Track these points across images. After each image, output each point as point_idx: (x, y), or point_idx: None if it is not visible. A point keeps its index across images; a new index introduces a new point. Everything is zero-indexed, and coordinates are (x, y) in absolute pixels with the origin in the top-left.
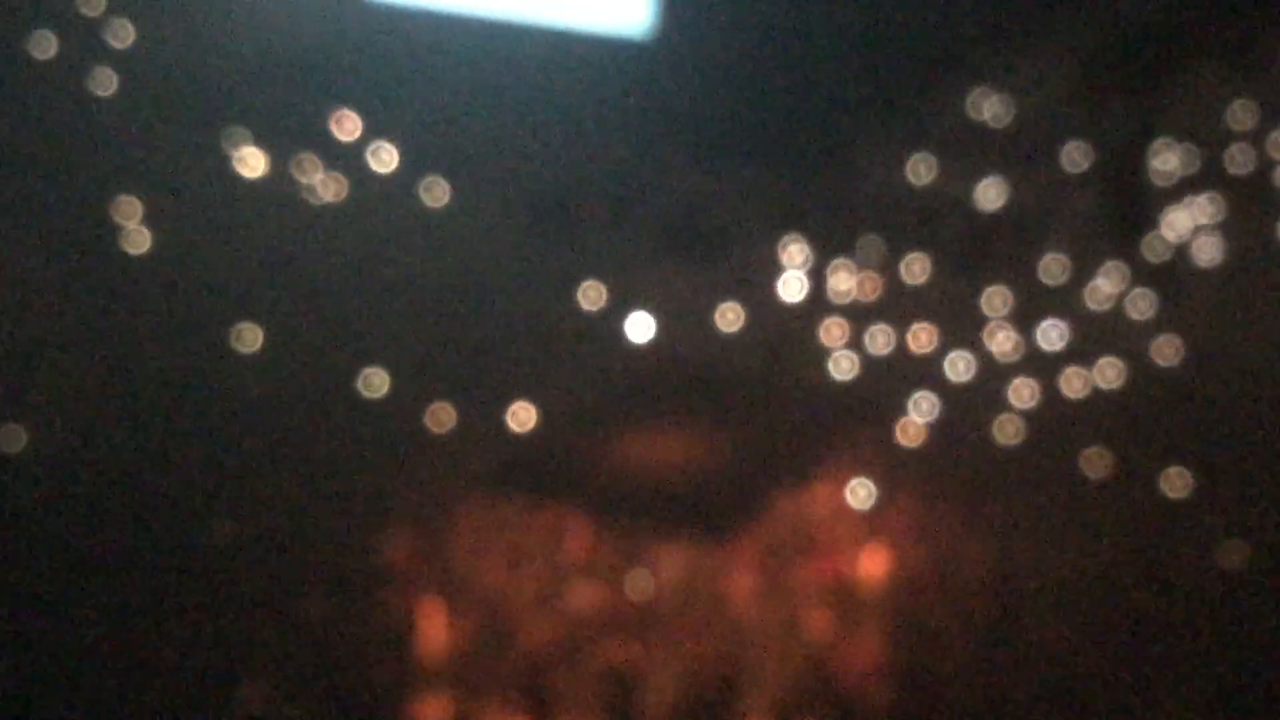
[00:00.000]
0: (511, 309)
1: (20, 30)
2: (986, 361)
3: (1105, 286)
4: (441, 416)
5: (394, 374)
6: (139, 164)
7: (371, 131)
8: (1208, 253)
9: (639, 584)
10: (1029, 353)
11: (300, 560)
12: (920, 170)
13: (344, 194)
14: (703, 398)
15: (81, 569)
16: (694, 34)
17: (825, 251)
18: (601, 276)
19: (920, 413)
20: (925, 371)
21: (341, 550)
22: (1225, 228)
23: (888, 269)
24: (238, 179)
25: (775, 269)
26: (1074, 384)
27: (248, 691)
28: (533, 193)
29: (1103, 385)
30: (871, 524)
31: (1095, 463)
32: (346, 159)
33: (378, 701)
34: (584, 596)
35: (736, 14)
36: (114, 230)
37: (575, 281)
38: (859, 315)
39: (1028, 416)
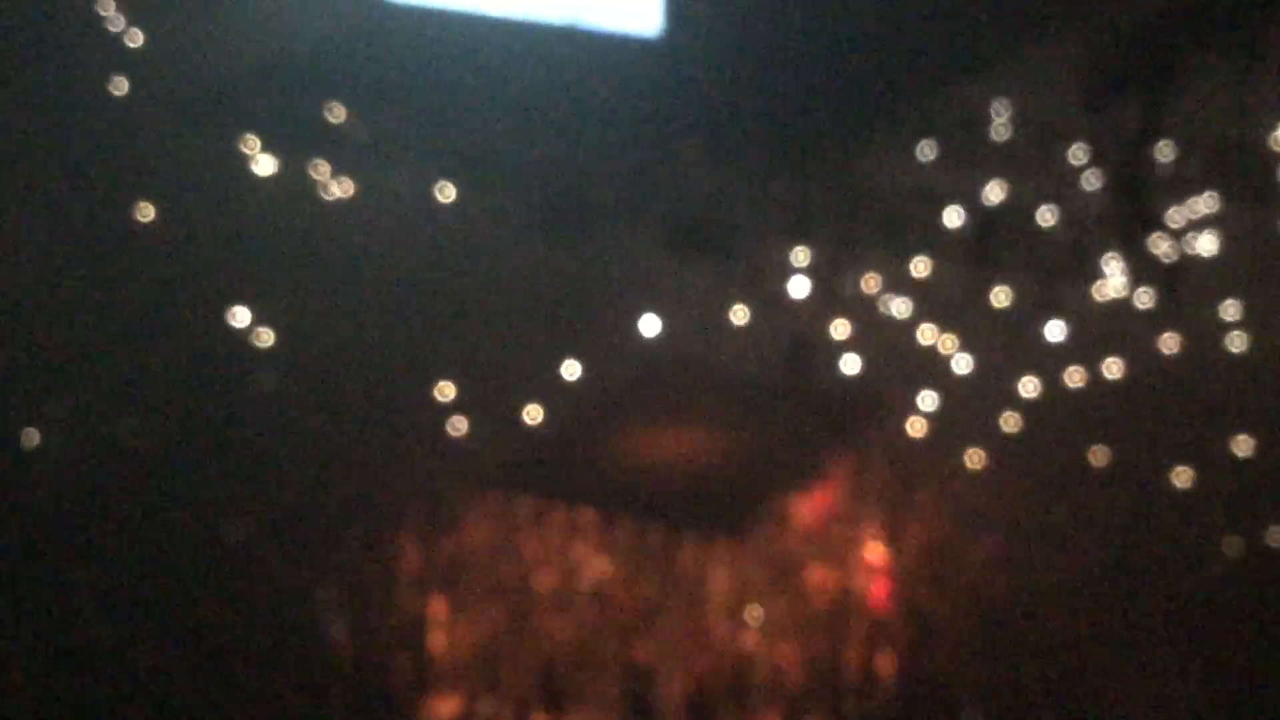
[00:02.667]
0: (522, 307)
1: (42, 36)
2: (992, 357)
3: (1109, 283)
4: (454, 415)
5: (406, 372)
6: (155, 168)
7: (382, 131)
8: (1210, 249)
9: (652, 583)
10: (1034, 348)
11: (314, 560)
12: (927, 169)
13: (355, 193)
14: (714, 397)
15: (93, 569)
16: (704, 33)
17: (834, 250)
18: (612, 275)
19: (926, 409)
20: (931, 368)
21: (356, 550)
22: (1228, 224)
23: (895, 267)
24: (251, 180)
25: (785, 268)
26: (1076, 379)
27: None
28: (543, 191)
29: (1107, 380)
30: (879, 521)
31: (1099, 457)
32: (358, 158)
33: (394, 702)
34: (598, 595)
35: (746, 13)
36: (131, 232)
37: (585, 280)
38: (867, 313)
39: (1032, 412)
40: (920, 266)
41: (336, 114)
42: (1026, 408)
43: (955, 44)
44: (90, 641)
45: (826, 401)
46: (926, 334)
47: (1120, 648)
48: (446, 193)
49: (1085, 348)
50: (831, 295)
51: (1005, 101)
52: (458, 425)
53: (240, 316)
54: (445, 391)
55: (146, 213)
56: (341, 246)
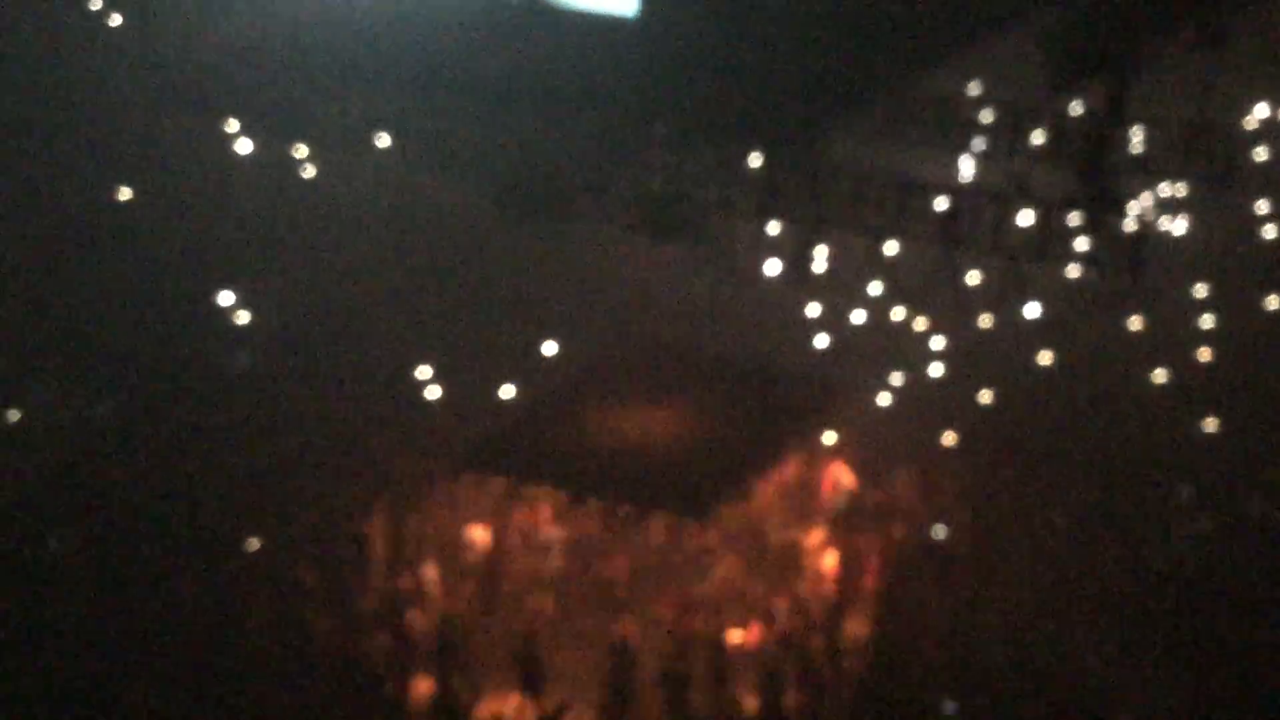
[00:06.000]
0: (495, 288)
1: (28, 20)
2: (962, 336)
3: (1076, 263)
4: (428, 395)
5: (383, 352)
6: (135, 150)
7: (359, 112)
8: (1180, 230)
9: (625, 560)
10: (1004, 327)
11: (290, 537)
12: (898, 150)
13: (333, 175)
14: (683, 376)
15: (72, 544)
16: (678, 15)
17: (804, 230)
18: (583, 254)
19: (896, 387)
20: (902, 347)
21: (331, 527)
22: (1196, 206)
23: (865, 247)
24: (231, 162)
25: (755, 248)
26: (1047, 357)
27: None
28: (517, 172)
29: (1075, 357)
30: (849, 497)
31: (1071, 437)
32: (336, 140)
33: (371, 679)
34: (570, 573)
35: None
36: (110, 214)
37: (557, 259)
38: (837, 293)
39: (1003, 388)
40: (891, 247)
41: (314, 97)
42: (997, 388)
43: (926, 28)
44: (67, 614)
45: (798, 381)
46: (898, 314)
47: (1091, 627)
48: (422, 173)
49: (1055, 328)
50: (802, 276)
51: (975, 84)
52: (434, 406)
53: (222, 298)
54: (421, 372)
55: (124, 195)
56: (319, 227)
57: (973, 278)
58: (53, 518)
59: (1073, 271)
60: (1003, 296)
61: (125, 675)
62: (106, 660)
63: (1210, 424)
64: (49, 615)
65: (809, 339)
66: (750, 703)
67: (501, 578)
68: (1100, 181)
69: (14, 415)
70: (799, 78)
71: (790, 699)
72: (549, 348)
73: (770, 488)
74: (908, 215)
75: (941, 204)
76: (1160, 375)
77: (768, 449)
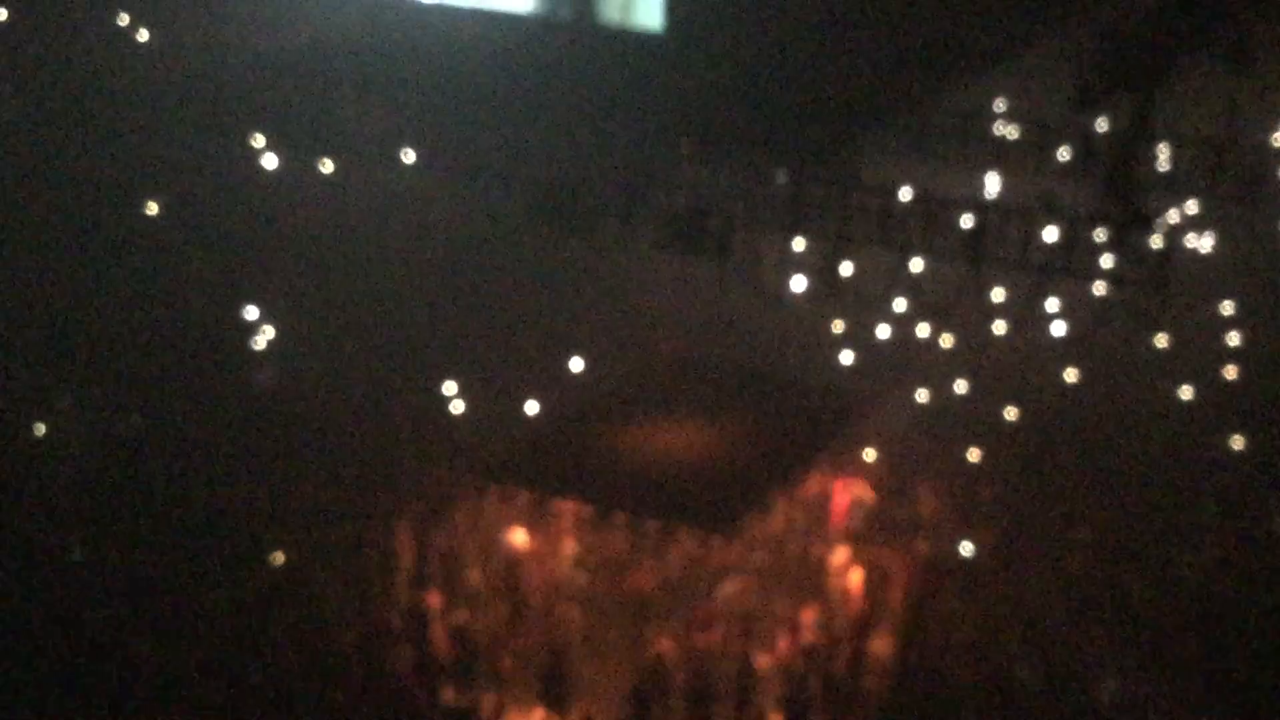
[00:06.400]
0: (521, 303)
1: (57, 35)
2: (988, 351)
3: (1102, 280)
4: (453, 410)
5: (406, 366)
6: (161, 165)
7: (385, 128)
8: (1206, 248)
9: (650, 575)
10: (1029, 343)
11: (315, 551)
12: (924, 167)
13: (359, 189)
14: (709, 391)
15: (95, 555)
16: (704, 34)
17: (830, 246)
18: (610, 270)
19: (922, 403)
20: (928, 362)
21: (356, 541)
22: (1223, 223)
23: (890, 263)
24: (257, 176)
25: (781, 263)
26: (1073, 373)
27: None
28: (543, 187)
29: (1101, 373)
30: (875, 513)
31: (1094, 450)
32: (361, 154)
33: (396, 692)
34: (595, 587)
35: (746, 12)
36: (136, 228)
37: (583, 274)
38: (863, 309)
39: (1028, 405)
40: (917, 263)
41: (341, 111)
42: (1023, 405)
43: (952, 45)
44: (91, 627)
45: (823, 397)
46: (923, 330)
47: (1117, 645)
48: (449, 187)
49: (1080, 344)
50: (829, 291)
51: (1001, 101)
52: (459, 420)
53: (248, 312)
54: (447, 387)
55: (151, 209)
56: (345, 242)
57: (999, 294)
58: (77, 531)
59: (1099, 288)
60: (1029, 314)
61: (150, 688)
62: (131, 673)
63: (1236, 441)
64: (73, 628)
65: (834, 354)
66: (775, 719)
67: (527, 592)
68: (1126, 198)
69: (40, 429)
70: (825, 95)
71: (815, 716)
72: (575, 363)
73: (796, 503)
74: (934, 231)
75: (967, 220)
76: (1186, 392)
77: (793, 465)
